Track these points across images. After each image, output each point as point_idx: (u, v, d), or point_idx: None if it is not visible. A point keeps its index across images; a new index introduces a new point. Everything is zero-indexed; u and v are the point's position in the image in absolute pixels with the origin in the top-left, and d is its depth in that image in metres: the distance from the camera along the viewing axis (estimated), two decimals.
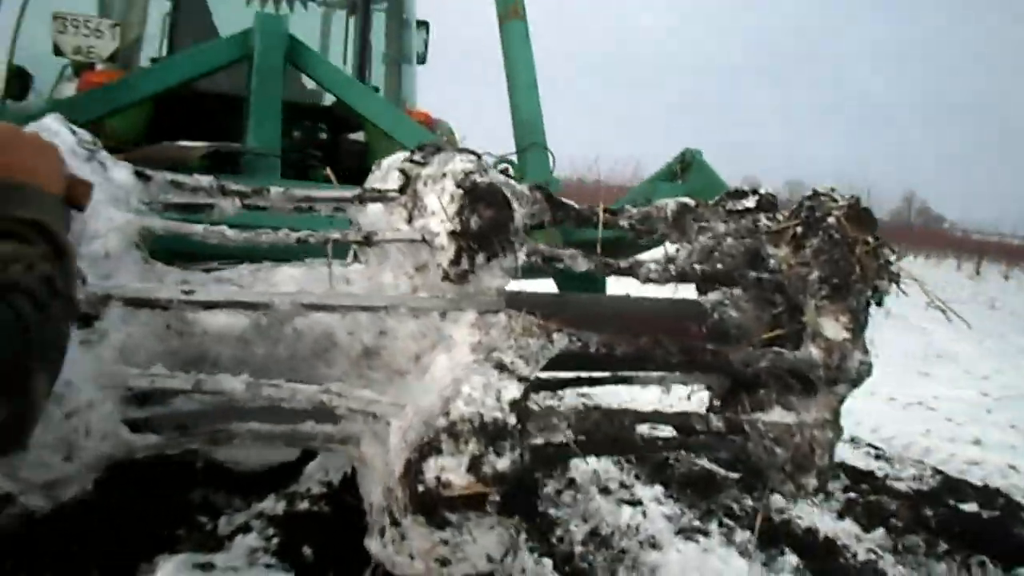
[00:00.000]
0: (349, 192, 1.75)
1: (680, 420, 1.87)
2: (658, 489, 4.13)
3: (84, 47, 3.48)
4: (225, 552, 2.75)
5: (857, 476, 4.95)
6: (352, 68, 4.57)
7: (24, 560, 2.61)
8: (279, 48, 2.96)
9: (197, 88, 3.99)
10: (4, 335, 0.83)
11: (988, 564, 3.71)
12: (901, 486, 4.85)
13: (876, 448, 5.76)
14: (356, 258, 1.79)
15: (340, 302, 1.54)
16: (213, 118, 3.60)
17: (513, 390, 1.52)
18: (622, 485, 4.13)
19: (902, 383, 8.42)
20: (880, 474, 5.08)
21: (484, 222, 1.57)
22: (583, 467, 4.28)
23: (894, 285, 2.04)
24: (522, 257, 1.68)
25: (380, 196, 1.72)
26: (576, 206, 1.91)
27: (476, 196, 1.57)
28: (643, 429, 1.86)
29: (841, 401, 2.04)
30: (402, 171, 1.74)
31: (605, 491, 4.03)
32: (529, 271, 2.43)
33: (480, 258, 1.59)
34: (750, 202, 2.09)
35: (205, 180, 1.60)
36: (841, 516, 4.23)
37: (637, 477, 4.29)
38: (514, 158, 2.93)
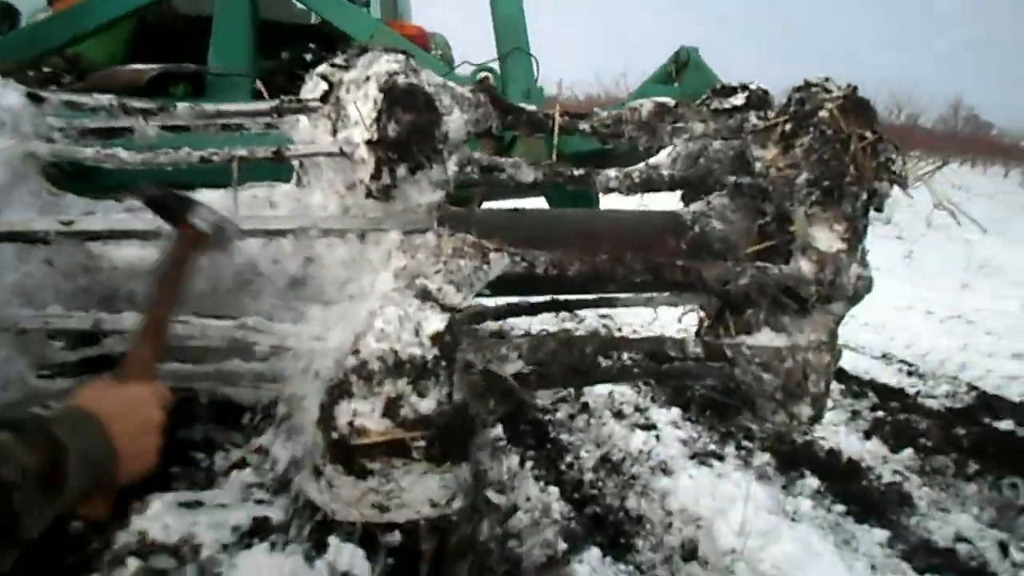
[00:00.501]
0: (266, 105, 1.57)
1: (652, 346, 1.68)
2: (675, 412, 4.01)
3: None
4: (218, 489, 2.70)
5: (886, 394, 4.79)
6: None
7: None
8: None
9: (179, 12, 3.83)
10: None
11: (1020, 486, 3.55)
12: (933, 404, 4.67)
13: (909, 364, 5.56)
14: (299, 179, 1.64)
15: (240, 226, 1.36)
16: (194, 42, 3.43)
17: (436, 322, 1.35)
18: (637, 409, 4.02)
19: (941, 296, 8.15)
20: (911, 392, 4.90)
21: (403, 128, 1.38)
22: (597, 390, 4.18)
23: (897, 187, 1.81)
24: (453, 168, 1.49)
25: (299, 107, 1.54)
26: (529, 109, 1.71)
27: (394, 99, 1.38)
28: (611, 357, 1.68)
29: (838, 321, 1.85)
30: (324, 77, 1.56)
31: (619, 415, 3.93)
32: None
33: (402, 170, 1.41)
34: (739, 99, 1.84)
35: (105, 99, 1.43)
36: (867, 436, 4.08)
37: (653, 400, 4.18)
38: (496, 65, 2.72)
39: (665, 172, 1.75)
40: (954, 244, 11.08)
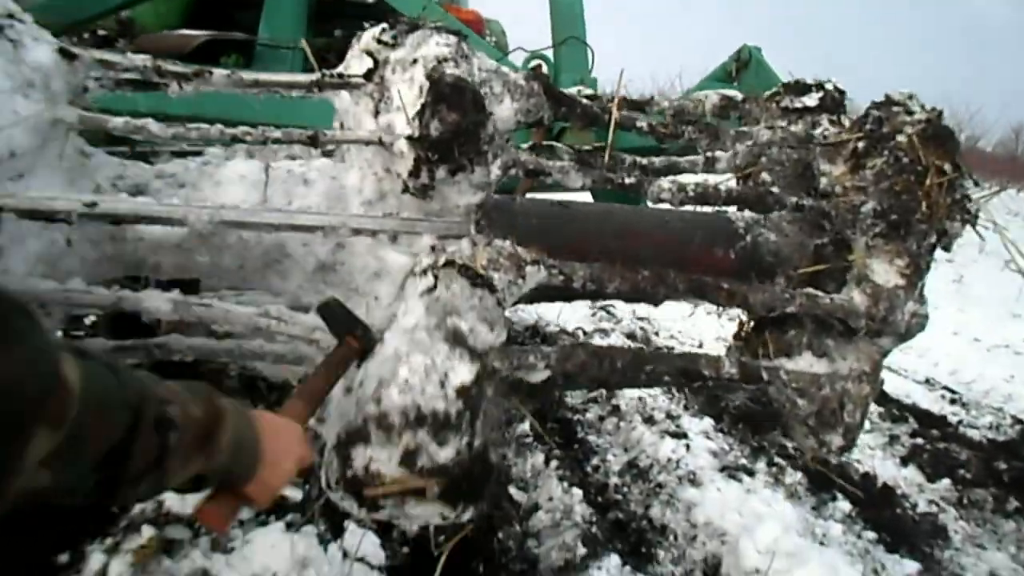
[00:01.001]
0: (306, 78, 1.52)
1: (685, 363, 1.58)
2: (707, 422, 3.92)
3: None
4: None
5: (927, 421, 4.63)
6: None
7: None
8: None
9: None
10: None
11: None
12: (975, 434, 4.51)
13: (952, 392, 5.39)
14: (338, 153, 1.59)
15: (264, 219, 1.31)
16: (250, 13, 3.42)
17: (464, 372, 1.27)
18: (668, 416, 3.94)
19: (989, 324, 7.90)
20: (953, 420, 4.74)
21: (447, 128, 1.30)
22: (628, 394, 4.11)
23: (968, 227, 1.70)
24: (496, 171, 1.42)
25: (342, 83, 1.48)
26: (584, 100, 1.64)
27: (440, 94, 1.31)
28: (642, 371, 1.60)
29: (884, 354, 1.75)
30: (369, 53, 1.50)
31: (649, 421, 3.85)
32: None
33: (442, 172, 1.34)
34: (811, 100, 1.73)
35: (140, 59, 1.39)
36: (904, 463, 3.96)
37: (685, 408, 4.10)
38: (550, 53, 2.65)
39: (723, 188, 1.66)
40: (1006, 272, 10.74)
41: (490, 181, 1.43)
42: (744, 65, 2.55)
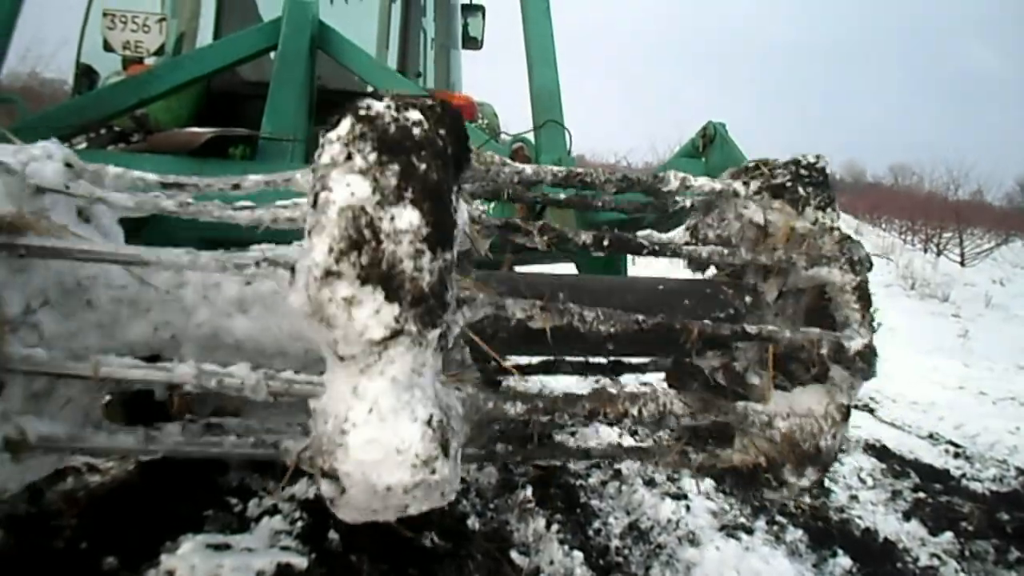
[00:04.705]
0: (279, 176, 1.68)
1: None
2: (707, 483, 3.97)
3: (132, 42, 3.59)
4: (248, 533, 2.79)
5: (930, 475, 4.67)
6: (396, 54, 4.57)
7: (60, 535, 2.72)
8: (304, 33, 2.96)
9: (244, 78, 4.08)
10: None
11: None
12: (978, 487, 4.54)
13: (956, 446, 5.42)
14: None
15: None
16: (258, 107, 3.65)
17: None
18: (669, 478, 4.00)
19: (995, 377, 7.93)
20: (956, 473, 4.77)
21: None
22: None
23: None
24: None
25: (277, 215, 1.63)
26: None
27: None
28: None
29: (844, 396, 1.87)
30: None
31: (650, 483, 3.92)
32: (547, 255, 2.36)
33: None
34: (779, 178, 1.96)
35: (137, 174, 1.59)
36: (907, 517, 3.98)
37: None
38: (531, 136, 2.84)
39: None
40: (1012, 324, 10.80)
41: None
42: (710, 140, 2.74)
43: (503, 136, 2.93)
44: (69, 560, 2.57)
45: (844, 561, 3.36)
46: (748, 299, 2.01)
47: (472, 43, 5.34)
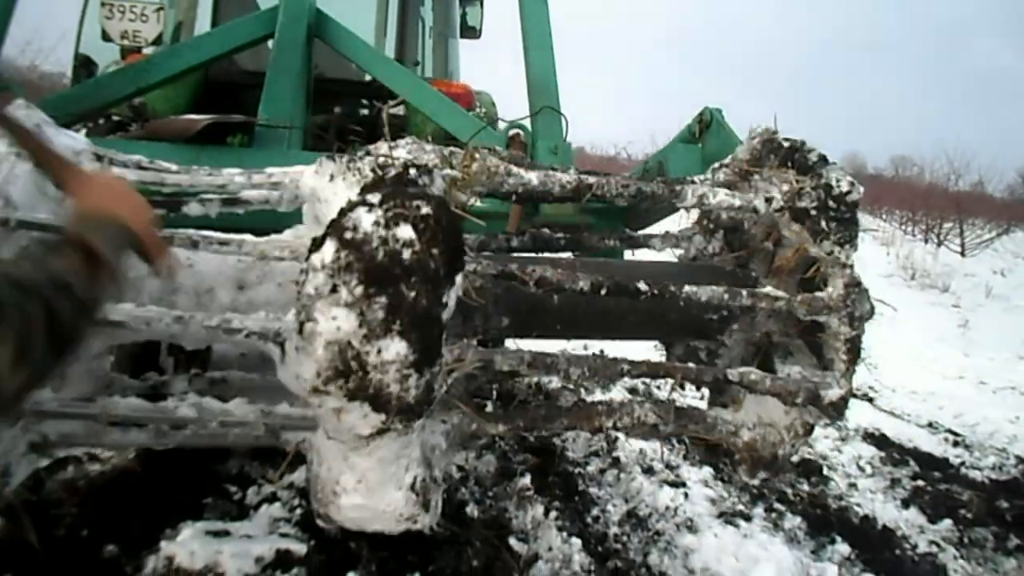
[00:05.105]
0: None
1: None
2: (706, 471, 3.99)
3: (130, 31, 3.58)
4: (247, 521, 2.80)
5: (930, 463, 4.67)
6: (394, 43, 4.56)
7: (62, 521, 2.73)
8: (301, 22, 2.96)
9: (242, 67, 4.07)
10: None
11: None
12: (977, 475, 4.54)
13: (956, 434, 5.42)
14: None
15: None
16: (256, 95, 3.65)
17: None
18: (668, 466, 4.01)
19: (995, 367, 7.92)
20: (956, 462, 4.77)
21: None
22: (629, 446, 4.19)
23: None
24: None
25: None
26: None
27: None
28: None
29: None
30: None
31: (649, 471, 3.92)
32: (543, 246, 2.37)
33: None
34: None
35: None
36: (906, 505, 3.99)
37: (685, 458, 4.16)
38: (527, 122, 2.84)
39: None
40: (1012, 315, 10.79)
41: None
42: (706, 126, 2.73)
43: (500, 123, 2.92)
44: (70, 548, 2.58)
45: (843, 548, 3.37)
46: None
47: (470, 32, 5.32)
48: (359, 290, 1.37)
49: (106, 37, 3.62)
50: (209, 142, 2.55)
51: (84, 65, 4.51)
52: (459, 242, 1.51)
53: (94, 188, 1.31)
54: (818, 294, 1.89)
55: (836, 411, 1.88)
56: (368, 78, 4.01)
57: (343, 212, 1.42)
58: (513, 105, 3.18)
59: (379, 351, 1.39)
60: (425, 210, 1.43)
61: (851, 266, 1.91)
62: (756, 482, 3.97)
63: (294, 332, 1.42)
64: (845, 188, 1.92)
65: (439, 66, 4.75)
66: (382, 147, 1.71)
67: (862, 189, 1.96)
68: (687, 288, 1.77)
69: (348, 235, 1.39)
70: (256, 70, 3.74)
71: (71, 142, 1.77)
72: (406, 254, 1.39)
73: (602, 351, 2.13)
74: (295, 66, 2.90)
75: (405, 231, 1.40)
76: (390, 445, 1.55)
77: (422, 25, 4.88)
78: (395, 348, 1.40)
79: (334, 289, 1.38)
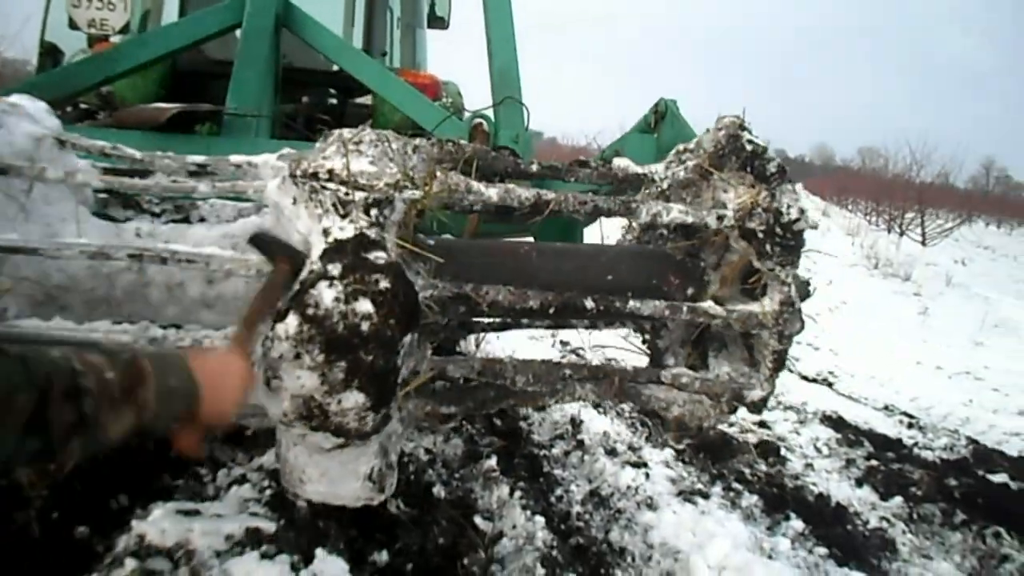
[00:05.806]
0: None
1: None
2: (668, 453, 4.10)
3: (97, 20, 3.59)
4: (218, 501, 2.85)
5: (884, 444, 4.84)
6: (362, 33, 4.60)
7: (31, 506, 2.76)
8: (269, 11, 3.00)
9: (210, 56, 4.09)
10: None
11: (1004, 535, 3.59)
12: (929, 455, 4.72)
13: (911, 417, 5.60)
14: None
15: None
16: (224, 85, 3.68)
17: None
18: (630, 447, 4.12)
19: (952, 353, 8.15)
20: (909, 443, 4.95)
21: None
22: (593, 429, 4.29)
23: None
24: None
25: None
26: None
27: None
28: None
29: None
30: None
31: (612, 453, 4.03)
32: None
33: None
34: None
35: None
36: (859, 484, 4.14)
37: (647, 440, 4.28)
38: (490, 112, 2.91)
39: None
40: (972, 303, 11.06)
41: None
42: (662, 117, 2.83)
43: (465, 114, 2.99)
44: (41, 531, 2.62)
45: (797, 524, 3.50)
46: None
47: (438, 22, 5.37)
48: (320, 357, 1.52)
49: (73, 25, 3.63)
50: (177, 130, 2.60)
51: (50, 53, 4.49)
52: (415, 306, 1.65)
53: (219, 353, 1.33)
54: (753, 309, 2.04)
55: (756, 409, 2.12)
56: (336, 68, 4.06)
57: (304, 286, 1.55)
58: (482, 95, 3.24)
59: (339, 402, 1.56)
60: (383, 284, 1.56)
61: (789, 285, 2.04)
62: (715, 463, 4.12)
63: (261, 383, 1.57)
64: (794, 216, 2.04)
65: (407, 56, 4.81)
66: (345, 133, 1.77)
67: (812, 219, 2.08)
68: (631, 304, 1.93)
69: (310, 311, 1.52)
70: (224, 59, 3.77)
71: (32, 128, 1.81)
72: (365, 326, 1.53)
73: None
74: (263, 55, 2.94)
75: (364, 305, 1.54)
76: (350, 452, 1.75)
77: (390, 15, 4.93)
78: (354, 399, 1.57)
79: (298, 356, 1.52)
